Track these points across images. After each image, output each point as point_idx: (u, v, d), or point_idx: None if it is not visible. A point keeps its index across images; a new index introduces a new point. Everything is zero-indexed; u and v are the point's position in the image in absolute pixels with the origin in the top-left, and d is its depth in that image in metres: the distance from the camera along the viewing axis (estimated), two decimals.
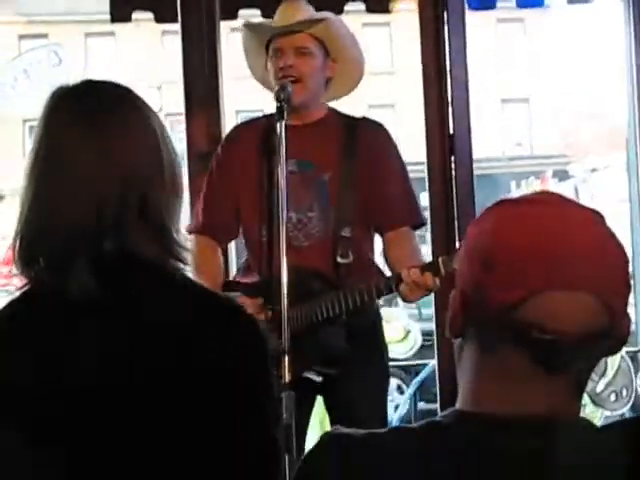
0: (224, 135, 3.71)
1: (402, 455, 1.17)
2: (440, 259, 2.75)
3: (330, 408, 3.08)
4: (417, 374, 8.16)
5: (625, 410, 6.26)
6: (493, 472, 1.14)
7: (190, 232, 3.12)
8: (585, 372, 1.19)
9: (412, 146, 4.19)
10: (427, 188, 3.81)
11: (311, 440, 3.05)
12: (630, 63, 3.90)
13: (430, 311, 4.04)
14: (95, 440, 1.37)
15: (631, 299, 4.10)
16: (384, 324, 3.22)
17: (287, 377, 2.49)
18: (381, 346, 3.13)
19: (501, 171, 21.19)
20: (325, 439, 1.24)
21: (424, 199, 3.73)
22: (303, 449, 2.74)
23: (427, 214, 3.47)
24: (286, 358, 2.51)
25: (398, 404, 8.21)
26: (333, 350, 2.89)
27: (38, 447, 1.36)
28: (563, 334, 1.12)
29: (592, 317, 1.14)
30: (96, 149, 1.40)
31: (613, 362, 5.98)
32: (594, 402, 6.13)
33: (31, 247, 1.41)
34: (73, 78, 1.54)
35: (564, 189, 19.12)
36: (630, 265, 1.20)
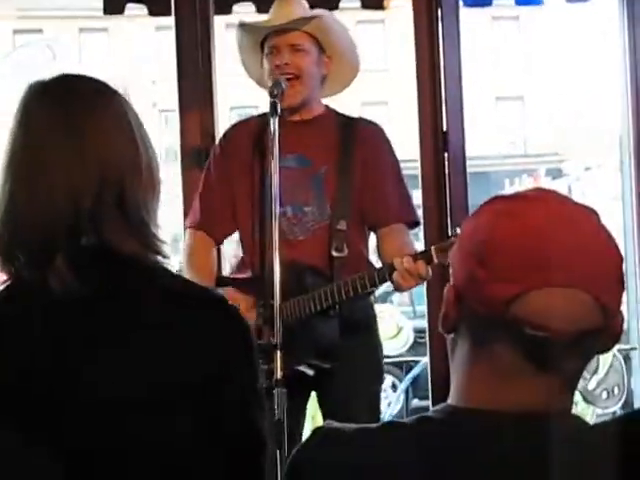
0: (218, 131, 3.74)
1: (393, 450, 1.17)
2: (433, 247, 2.75)
3: (323, 403, 3.09)
4: (410, 371, 8.17)
5: (617, 408, 6.28)
6: (485, 468, 1.14)
7: (187, 227, 3.16)
8: (577, 369, 1.19)
9: (406, 143, 4.19)
10: (420, 185, 3.81)
11: (305, 435, 3.06)
12: (625, 62, 3.90)
13: (423, 308, 4.04)
14: (82, 435, 1.37)
15: (624, 298, 4.10)
16: None
17: (279, 373, 2.49)
18: (376, 342, 3.13)
19: (495, 169, 21.22)
20: (316, 434, 1.24)
21: (417, 196, 3.73)
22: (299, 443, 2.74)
23: (420, 211, 3.48)
24: (278, 354, 2.51)
25: (391, 401, 8.22)
26: (326, 343, 2.90)
27: (25, 446, 1.36)
28: (556, 331, 1.12)
29: (585, 314, 1.14)
30: (71, 145, 1.39)
31: (605, 360, 5.99)
32: (586, 400, 6.15)
33: (10, 244, 1.40)
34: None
35: (558, 187, 19.13)
36: (623, 263, 1.20)
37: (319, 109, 3.12)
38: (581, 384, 5.98)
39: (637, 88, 3.87)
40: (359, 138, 3.05)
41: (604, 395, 6.17)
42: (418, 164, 3.82)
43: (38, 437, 1.36)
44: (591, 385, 6.10)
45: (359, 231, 3.06)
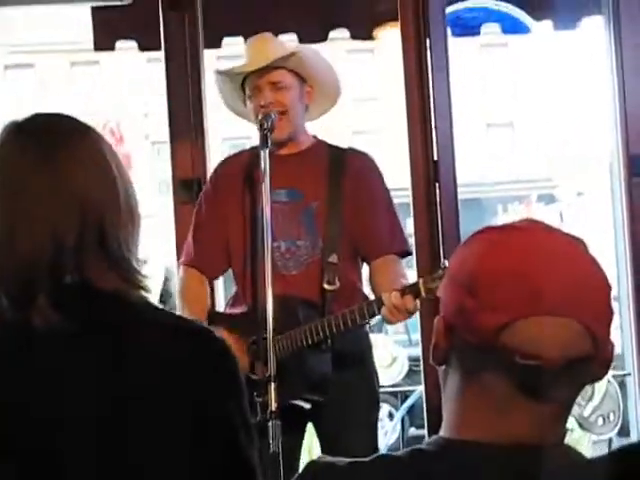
0: (209, 162, 3.75)
1: None
2: (421, 280, 2.75)
3: (320, 435, 3.09)
4: (406, 400, 8.14)
5: (613, 434, 6.26)
6: None
7: (180, 264, 3.19)
8: (569, 398, 1.19)
9: (397, 171, 4.20)
10: (412, 214, 3.82)
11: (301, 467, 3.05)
12: (613, 88, 3.92)
13: (418, 336, 4.03)
14: (76, 467, 1.36)
15: (618, 322, 4.10)
16: None
17: (274, 405, 2.49)
18: (371, 373, 3.13)
19: (487, 195, 21.27)
20: (309, 469, 1.23)
21: (409, 225, 3.74)
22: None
23: (412, 239, 3.48)
24: (272, 386, 2.51)
25: (388, 430, 8.18)
26: (318, 376, 2.90)
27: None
28: (546, 359, 1.13)
29: (575, 342, 1.14)
30: (49, 183, 1.39)
31: (600, 386, 5.97)
32: (582, 426, 6.12)
33: None
34: (58, 107, 1.54)
35: (550, 213, 19.20)
36: (615, 288, 1.21)
37: (308, 141, 3.13)
38: (577, 411, 5.97)
39: (625, 114, 3.89)
40: (349, 169, 3.06)
41: (600, 421, 6.15)
42: (410, 193, 3.83)
43: (18, 470, 1.36)
44: (587, 412, 6.08)
45: (351, 263, 3.06)
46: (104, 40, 4.03)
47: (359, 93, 22.62)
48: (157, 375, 1.39)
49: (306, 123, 3.16)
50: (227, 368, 1.45)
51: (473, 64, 22.41)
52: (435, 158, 3.77)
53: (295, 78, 3.05)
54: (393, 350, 8.94)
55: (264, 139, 2.83)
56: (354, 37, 4.44)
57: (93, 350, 1.39)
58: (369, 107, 23.13)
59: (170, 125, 3.82)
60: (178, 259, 3.36)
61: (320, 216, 3.02)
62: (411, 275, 3.14)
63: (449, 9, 4.06)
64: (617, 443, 6.22)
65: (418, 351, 4.23)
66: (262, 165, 2.77)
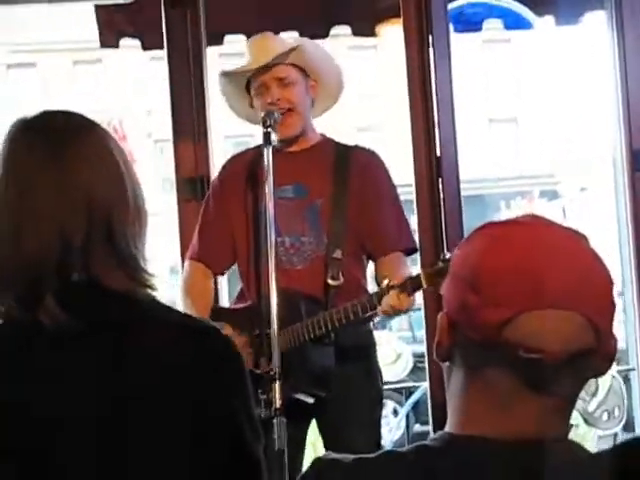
0: (212, 160, 3.76)
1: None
2: (421, 271, 2.77)
3: (323, 431, 3.08)
4: (411, 396, 8.14)
5: (618, 429, 6.26)
6: None
7: (187, 259, 3.20)
8: (573, 392, 1.19)
9: (401, 168, 4.21)
10: (415, 210, 3.82)
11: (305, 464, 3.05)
12: (616, 83, 3.92)
13: (422, 333, 4.03)
14: (81, 462, 1.37)
15: (622, 317, 4.10)
16: None
17: (278, 402, 2.49)
18: (375, 369, 3.13)
19: (490, 191, 21.27)
20: (314, 466, 1.24)
21: (412, 221, 3.74)
22: (300, 472, 2.74)
23: (416, 236, 3.49)
24: (277, 383, 2.51)
25: (393, 427, 8.19)
26: (321, 370, 2.90)
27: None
28: (549, 353, 1.13)
29: (578, 335, 1.15)
30: (57, 181, 1.39)
31: (604, 381, 5.97)
32: (586, 422, 6.13)
33: None
34: (61, 106, 1.54)
35: (553, 208, 19.19)
36: (619, 283, 1.21)
37: (315, 138, 3.15)
38: (581, 406, 5.97)
39: (628, 109, 3.89)
40: (355, 166, 3.07)
41: (604, 417, 6.15)
42: (413, 189, 3.83)
43: (22, 471, 1.36)
44: (591, 407, 6.08)
45: (355, 259, 3.07)
46: (108, 38, 4.05)
47: (361, 90, 22.62)
48: (162, 373, 1.39)
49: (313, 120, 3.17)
50: (233, 366, 1.46)
51: (475, 60, 22.40)
52: (438, 154, 3.77)
53: (299, 73, 3.06)
54: (397, 347, 8.95)
55: (267, 137, 2.84)
56: (356, 34, 4.44)
57: (99, 349, 1.39)
58: (371, 104, 23.11)
59: (173, 123, 3.83)
60: (182, 257, 3.37)
61: (325, 212, 3.03)
62: (415, 272, 3.13)
63: (451, 5, 4.06)
64: (622, 438, 6.22)
65: (423, 347, 4.23)
66: (265, 162, 2.78)
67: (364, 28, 4.42)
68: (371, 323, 3.09)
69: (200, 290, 3.13)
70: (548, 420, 1.17)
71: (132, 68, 22.66)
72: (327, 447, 3.03)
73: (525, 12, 4.69)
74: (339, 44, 3.39)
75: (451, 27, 3.92)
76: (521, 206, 20.70)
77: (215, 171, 3.43)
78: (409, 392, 8.12)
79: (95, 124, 1.48)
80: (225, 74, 3.16)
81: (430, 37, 3.79)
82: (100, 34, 4.15)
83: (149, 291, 1.45)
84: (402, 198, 3.18)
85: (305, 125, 3.09)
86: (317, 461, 1.24)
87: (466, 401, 1.20)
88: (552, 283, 1.13)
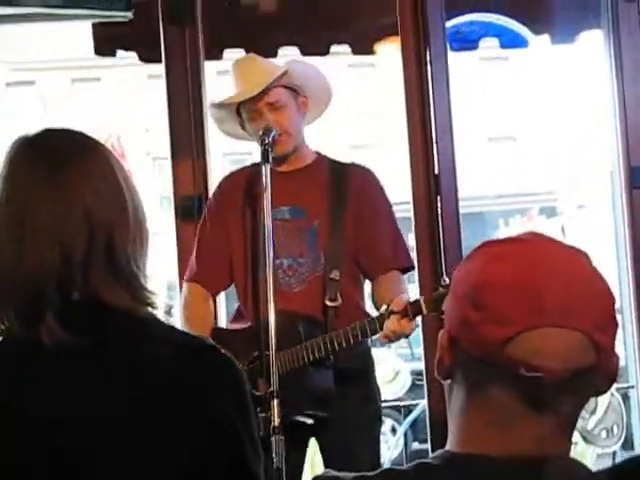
0: (210, 178, 3.76)
1: None
2: (422, 298, 2.77)
3: (323, 450, 3.08)
4: (409, 414, 8.12)
5: (616, 447, 6.23)
6: None
7: (185, 280, 3.20)
8: (574, 411, 1.19)
9: (399, 186, 4.21)
10: (413, 228, 3.82)
11: None
12: (613, 101, 3.93)
13: (421, 350, 4.03)
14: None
15: (620, 336, 4.10)
16: None
17: (276, 421, 2.49)
18: (373, 387, 3.13)
19: (489, 209, 21.29)
20: None
21: (410, 238, 3.74)
22: None
23: (413, 253, 3.49)
24: (275, 402, 2.51)
25: (391, 445, 8.16)
26: (321, 392, 2.90)
27: None
28: (550, 371, 1.13)
29: (579, 353, 1.14)
30: (57, 198, 1.39)
31: (603, 399, 5.95)
32: (585, 440, 6.10)
33: None
34: (60, 123, 1.54)
35: (551, 225, 19.20)
36: (617, 300, 1.21)
37: (310, 156, 3.15)
38: (580, 424, 5.93)
39: (626, 125, 3.90)
40: (351, 184, 3.08)
41: (603, 434, 6.13)
42: (411, 206, 3.83)
43: None
44: (590, 425, 6.05)
45: (353, 280, 3.07)
46: (104, 48, 4.06)
47: (360, 107, 22.66)
48: (163, 391, 1.39)
49: (307, 139, 3.17)
50: (234, 385, 1.45)
51: (473, 78, 22.44)
52: (436, 172, 3.77)
53: (289, 93, 3.06)
54: (396, 364, 8.93)
55: (265, 154, 2.84)
56: (355, 52, 4.46)
57: (100, 368, 1.39)
58: (370, 121, 23.15)
59: (171, 141, 3.83)
60: (180, 275, 3.36)
61: (322, 233, 3.03)
62: (413, 289, 3.14)
63: (448, 23, 4.07)
64: (621, 456, 6.20)
65: (421, 365, 4.22)
66: (263, 180, 2.79)
67: (363, 46, 4.43)
68: (369, 342, 3.09)
69: (199, 312, 3.13)
70: (549, 439, 1.16)
71: (130, 86, 22.70)
72: (327, 465, 3.02)
73: (522, 30, 4.70)
74: (338, 62, 3.39)
75: (448, 45, 3.93)
76: (520, 223, 20.72)
77: (213, 189, 3.43)
78: (407, 410, 8.09)
79: (95, 142, 1.48)
80: (216, 106, 3.17)
81: (428, 55, 3.81)
82: (95, 44, 4.15)
83: (150, 309, 1.45)
84: (401, 216, 3.18)
85: (298, 143, 3.09)
86: (316, 479, 1.24)
87: (467, 419, 1.19)
88: (553, 301, 1.13)
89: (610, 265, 4.42)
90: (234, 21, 4.11)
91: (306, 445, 3.10)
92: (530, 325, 1.13)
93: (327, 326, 2.93)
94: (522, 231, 1.25)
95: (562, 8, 4.33)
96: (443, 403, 1.27)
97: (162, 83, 3.86)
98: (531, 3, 4.49)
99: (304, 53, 4.14)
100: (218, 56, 4.12)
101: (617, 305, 1.23)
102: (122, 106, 23.42)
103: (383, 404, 3.30)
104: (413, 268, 3.23)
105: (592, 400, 1.22)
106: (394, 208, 3.15)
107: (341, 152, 3.21)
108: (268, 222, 2.74)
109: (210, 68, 3.95)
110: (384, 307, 2.80)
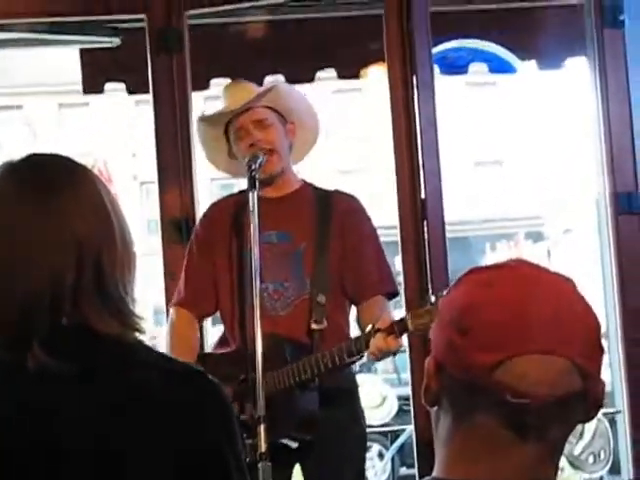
0: (198, 203, 3.76)
1: None
2: (408, 315, 2.77)
3: (308, 475, 3.07)
4: (396, 439, 8.10)
5: (604, 473, 6.24)
6: None
7: (171, 305, 3.21)
8: (560, 438, 1.19)
9: (385, 210, 4.22)
10: (400, 252, 3.82)
11: None
12: (598, 127, 3.95)
13: (408, 375, 4.02)
14: None
15: (607, 360, 4.10)
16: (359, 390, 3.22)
17: (263, 447, 2.48)
18: (358, 410, 3.14)
19: (475, 233, 21.34)
20: None
21: (397, 263, 3.74)
22: None
23: (400, 278, 3.49)
24: (262, 427, 2.50)
25: (378, 470, 8.14)
26: (306, 415, 2.90)
27: None
28: (536, 397, 1.13)
29: (565, 380, 1.14)
30: (46, 225, 1.39)
31: (590, 424, 5.95)
32: (572, 465, 6.10)
33: None
34: (47, 148, 1.54)
35: (537, 250, 19.26)
36: (603, 325, 1.21)
37: (296, 184, 3.17)
38: (567, 449, 5.93)
39: (612, 151, 3.91)
40: (336, 211, 3.10)
41: (590, 460, 6.13)
42: (397, 230, 3.83)
43: None
44: (577, 450, 6.05)
45: (338, 304, 3.08)
46: (93, 83, 4.06)
47: (347, 132, 22.74)
48: (150, 416, 1.39)
49: (294, 166, 3.19)
50: (221, 411, 1.45)
51: (460, 102, 22.55)
52: (423, 196, 3.78)
53: (277, 116, 3.08)
54: (382, 389, 8.91)
55: (252, 180, 2.86)
56: (341, 76, 4.47)
57: (86, 394, 1.38)
58: (357, 146, 23.22)
59: (158, 167, 3.83)
60: (167, 298, 3.36)
61: (308, 257, 3.04)
62: (399, 315, 3.14)
63: (435, 49, 4.09)
64: None
65: (408, 390, 4.21)
66: (250, 206, 2.79)
67: (349, 71, 4.45)
68: (353, 367, 3.10)
69: (185, 337, 3.14)
70: (535, 465, 1.16)
71: (118, 111, 22.72)
72: None
73: (509, 57, 4.73)
74: (324, 87, 3.41)
75: (436, 69, 3.95)
76: (507, 248, 20.77)
77: (200, 214, 3.44)
78: (395, 435, 8.09)
79: (83, 167, 1.48)
80: (203, 119, 3.19)
81: (415, 80, 3.82)
82: (84, 79, 4.16)
83: (137, 334, 1.44)
84: (387, 240, 3.20)
85: (285, 167, 3.10)
86: None
87: (453, 446, 1.19)
88: (539, 327, 1.13)
89: (596, 290, 4.43)
90: (219, 50, 4.13)
91: (291, 468, 3.09)
92: (516, 351, 1.13)
93: (313, 349, 2.93)
94: (508, 257, 1.26)
95: (549, 35, 4.37)
96: (430, 428, 1.27)
97: (149, 108, 3.86)
98: (519, 30, 4.52)
99: (289, 80, 4.15)
100: (205, 85, 4.14)
101: (603, 330, 1.23)
102: (110, 131, 23.45)
103: (370, 429, 3.30)
104: (398, 294, 3.24)
105: (579, 425, 1.22)
106: (380, 232, 3.18)
107: (328, 177, 3.23)
108: (255, 248, 2.74)
109: (197, 96, 3.97)
110: (370, 326, 2.80)
